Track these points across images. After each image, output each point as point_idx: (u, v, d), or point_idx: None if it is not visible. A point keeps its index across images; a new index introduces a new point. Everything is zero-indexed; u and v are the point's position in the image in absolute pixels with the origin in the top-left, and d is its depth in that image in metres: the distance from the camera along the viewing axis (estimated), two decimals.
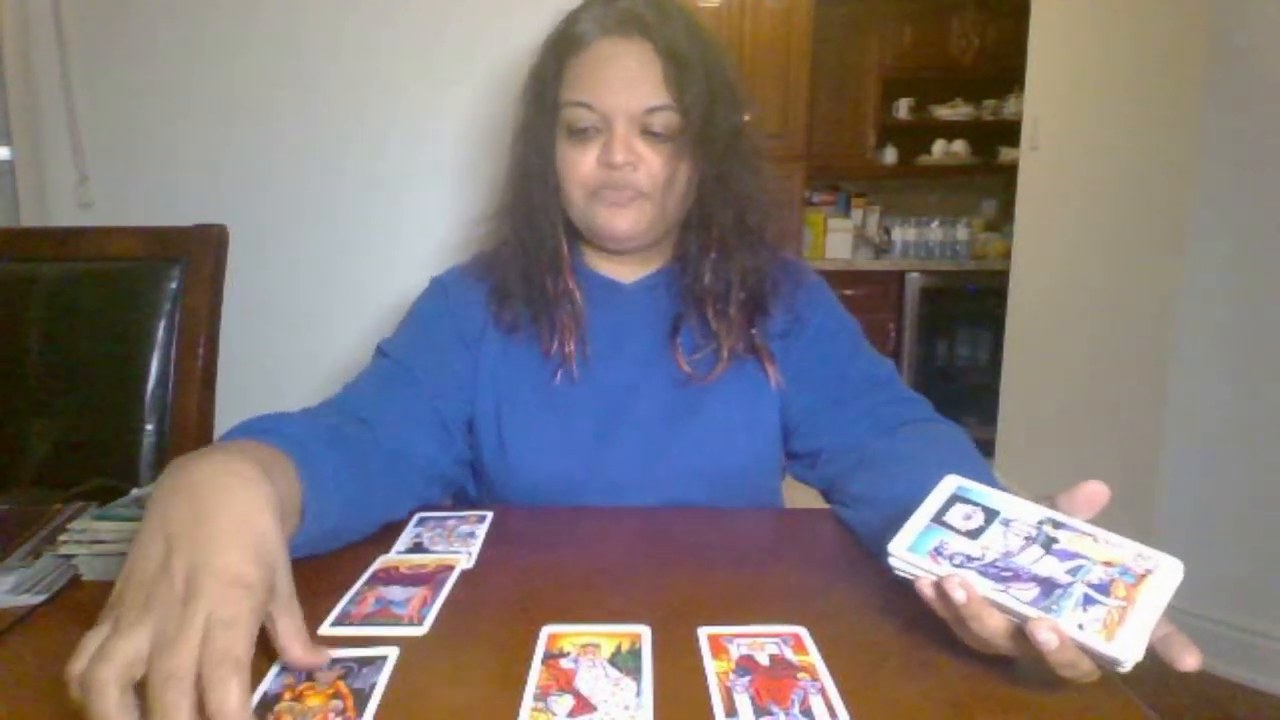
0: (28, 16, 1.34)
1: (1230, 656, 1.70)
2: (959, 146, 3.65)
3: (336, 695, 0.43)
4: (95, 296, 0.98)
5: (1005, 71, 3.18)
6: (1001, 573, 0.44)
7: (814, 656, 0.47)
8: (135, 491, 0.67)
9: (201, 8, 1.34)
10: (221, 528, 0.40)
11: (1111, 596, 0.41)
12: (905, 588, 0.55)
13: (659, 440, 0.77)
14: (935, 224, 3.58)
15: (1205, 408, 1.73)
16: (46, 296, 0.97)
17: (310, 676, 0.44)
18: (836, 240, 3.57)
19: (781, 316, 0.81)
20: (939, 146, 3.67)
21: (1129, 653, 0.39)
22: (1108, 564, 0.43)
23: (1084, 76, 2.24)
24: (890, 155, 3.70)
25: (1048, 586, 0.42)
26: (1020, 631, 0.41)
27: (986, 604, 0.43)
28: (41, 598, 0.55)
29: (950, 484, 0.50)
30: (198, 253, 0.99)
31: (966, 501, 0.49)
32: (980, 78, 3.54)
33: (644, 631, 0.49)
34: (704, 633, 0.49)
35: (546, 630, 0.49)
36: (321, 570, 0.59)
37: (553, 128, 0.76)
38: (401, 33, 1.35)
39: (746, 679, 0.44)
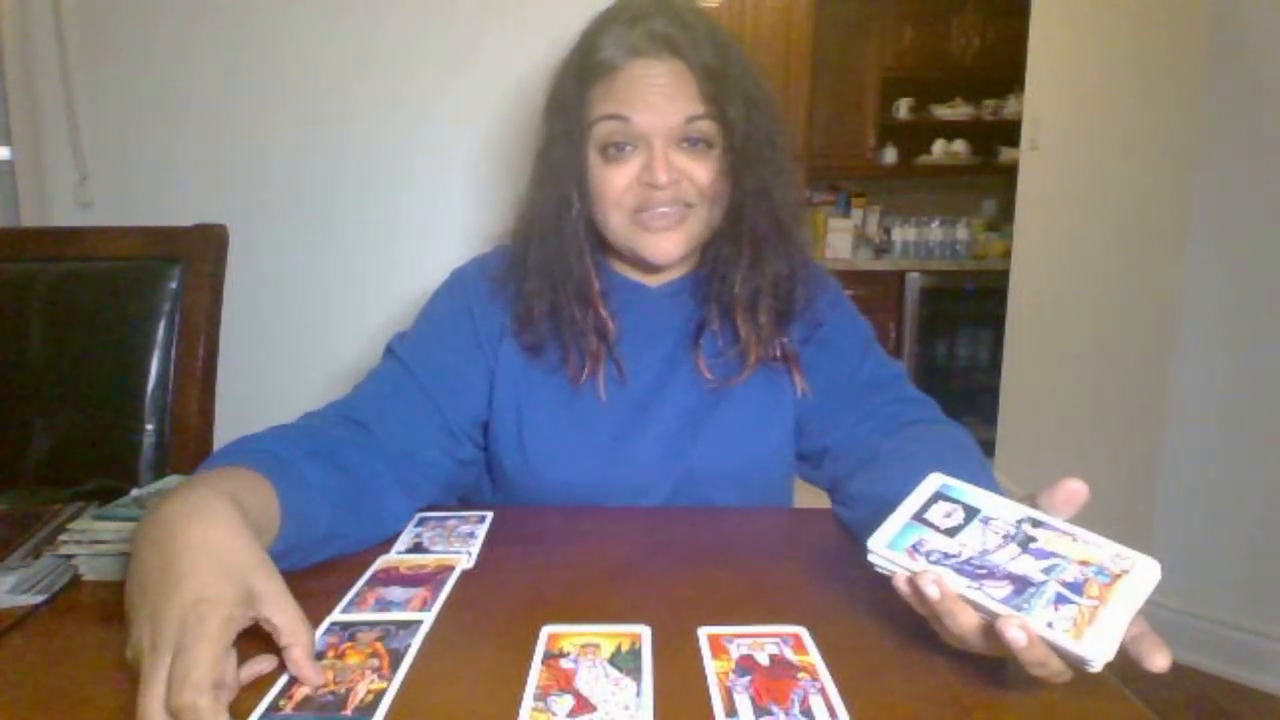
0: (28, 17, 1.34)
1: (1230, 656, 1.70)
2: (959, 146, 3.64)
3: (374, 654, 0.47)
4: (95, 296, 0.98)
5: (1005, 71, 3.18)
6: (976, 570, 0.44)
7: (814, 656, 0.47)
8: (135, 491, 0.67)
9: (202, 8, 1.34)
10: (184, 562, 0.43)
11: (1084, 596, 0.41)
12: None
13: (680, 442, 0.77)
14: (935, 224, 3.57)
15: (1205, 408, 1.72)
16: (46, 296, 0.97)
17: (352, 636, 0.49)
18: (836, 240, 3.57)
19: (805, 323, 0.81)
20: (939, 146, 3.67)
21: (1098, 652, 0.39)
22: (1084, 563, 0.43)
23: (1084, 76, 2.24)
24: (890, 155, 3.70)
25: (1021, 584, 0.43)
26: (993, 629, 0.41)
27: (959, 601, 0.43)
28: (41, 598, 0.55)
29: (934, 482, 0.50)
30: (198, 253, 0.99)
31: (948, 499, 0.49)
32: (980, 78, 3.54)
33: (644, 631, 0.49)
34: (704, 633, 0.49)
35: (546, 630, 0.49)
36: (322, 571, 0.59)
37: (580, 152, 0.74)
38: (400, 32, 1.35)
39: (746, 679, 0.44)
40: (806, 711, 0.41)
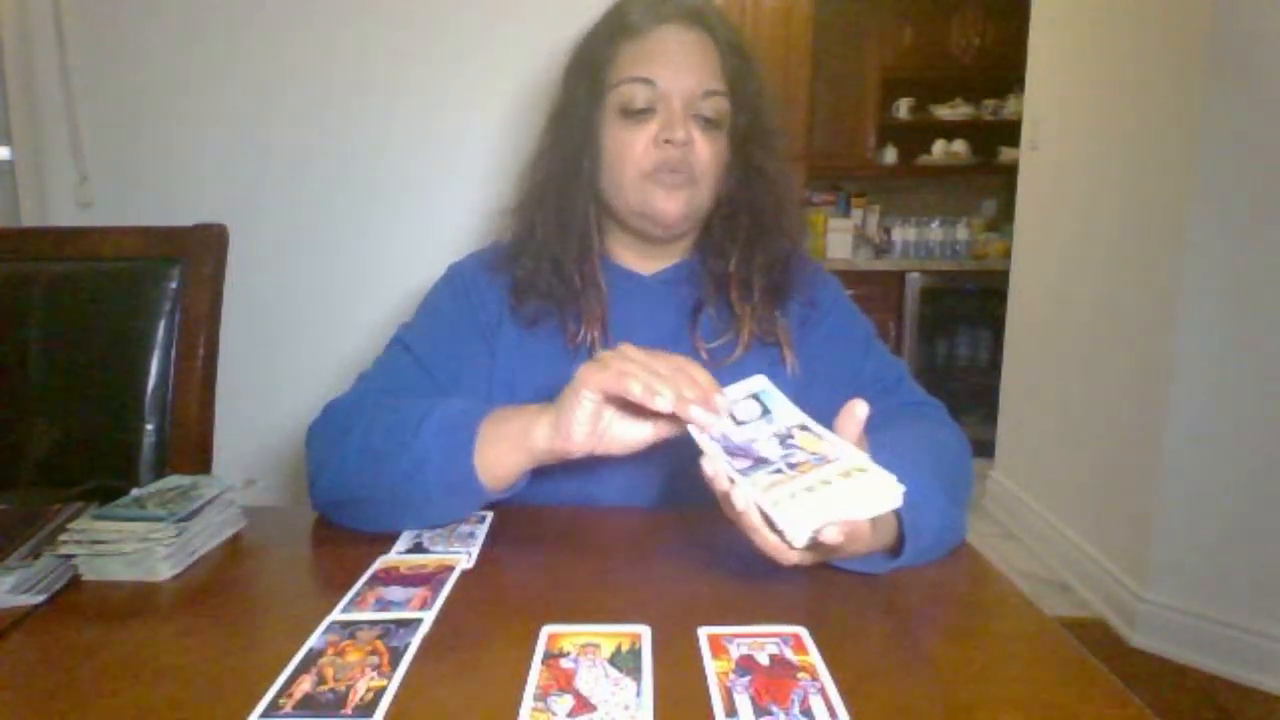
0: (28, 16, 1.34)
1: (1230, 656, 1.70)
2: (959, 146, 3.64)
3: (374, 652, 0.47)
4: (95, 296, 0.97)
5: (1005, 71, 3.18)
6: (738, 450, 0.54)
7: (814, 656, 0.47)
8: (135, 491, 0.66)
9: (202, 8, 1.34)
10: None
11: (797, 471, 0.49)
12: (906, 588, 0.55)
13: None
14: (935, 224, 3.57)
15: (1205, 407, 1.72)
16: (46, 296, 0.97)
17: (352, 635, 0.49)
18: (836, 240, 3.57)
19: (801, 306, 0.83)
20: (939, 146, 3.67)
21: (791, 523, 0.46)
22: (814, 453, 0.51)
23: (1084, 76, 2.24)
24: (890, 155, 3.70)
25: (760, 463, 0.52)
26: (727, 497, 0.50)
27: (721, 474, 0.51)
28: (41, 598, 0.55)
29: (756, 383, 0.59)
30: (198, 253, 0.98)
31: (758, 400, 0.58)
32: (980, 78, 3.54)
33: (644, 631, 0.49)
34: (704, 633, 0.49)
35: (546, 630, 0.49)
36: (321, 570, 0.59)
37: (599, 111, 0.77)
38: (400, 34, 1.35)
39: (746, 679, 0.44)
40: (806, 711, 0.41)
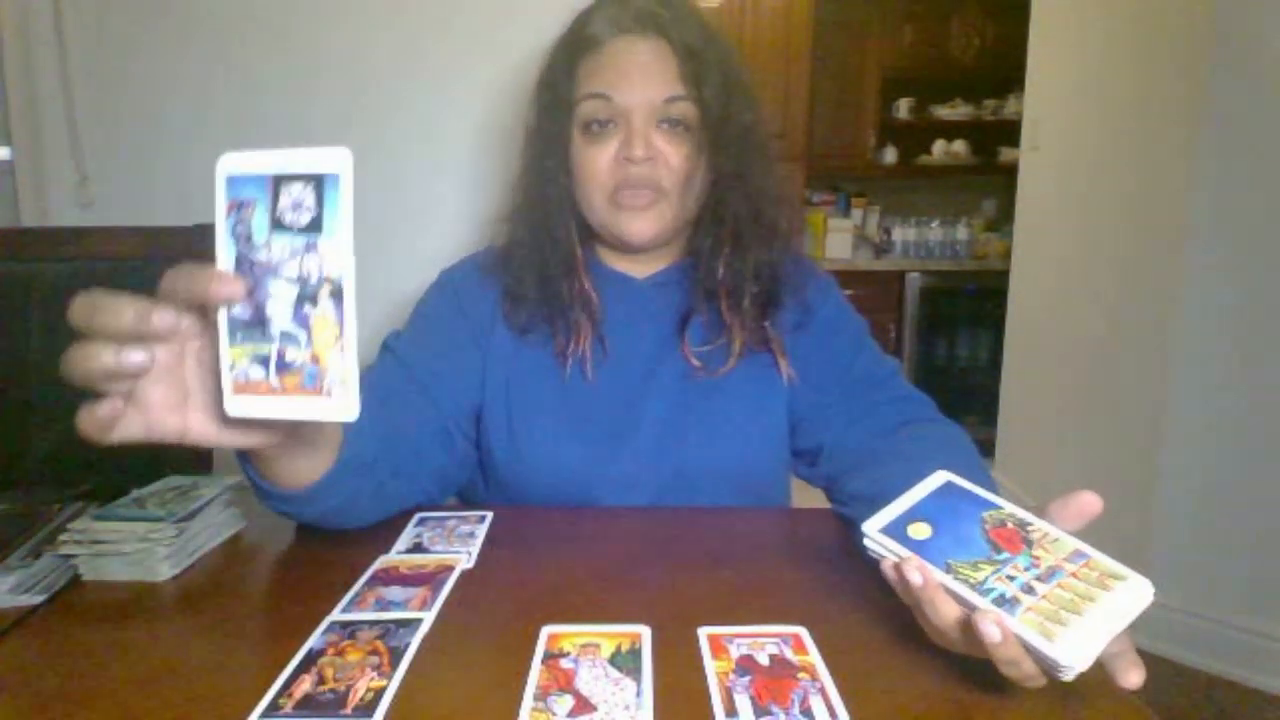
0: (28, 16, 1.33)
1: (1230, 656, 1.70)
2: (959, 146, 3.64)
3: (374, 652, 0.47)
4: None
5: (1005, 71, 3.18)
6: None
7: (814, 656, 0.47)
8: (135, 491, 0.67)
9: (201, 8, 1.34)
10: None
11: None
12: None
13: (670, 433, 0.77)
14: (935, 224, 3.57)
15: (1205, 407, 1.72)
16: (46, 296, 0.97)
17: (352, 635, 0.49)
18: (836, 240, 3.57)
19: (793, 310, 0.81)
20: (939, 146, 3.67)
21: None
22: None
23: (1084, 76, 2.24)
24: (890, 155, 3.70)
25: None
26: (970, 623, 0.40)
27: (941, 590, 0.42)
28: (41, 598, 0.55)
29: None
30: (197, 253, 0.98)
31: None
32: (980, 78, 3.54)
33: (644, 631, 0.49)
34: (704, 633, 0.49)
35: (546, 630, 0.49)
36: (322, 570, 0.59)
37: (566, 128, 0.76)
38: (405, 32, 1.35)
39: (746, 679, 0.44)
40: (806, 711, 0.41)
